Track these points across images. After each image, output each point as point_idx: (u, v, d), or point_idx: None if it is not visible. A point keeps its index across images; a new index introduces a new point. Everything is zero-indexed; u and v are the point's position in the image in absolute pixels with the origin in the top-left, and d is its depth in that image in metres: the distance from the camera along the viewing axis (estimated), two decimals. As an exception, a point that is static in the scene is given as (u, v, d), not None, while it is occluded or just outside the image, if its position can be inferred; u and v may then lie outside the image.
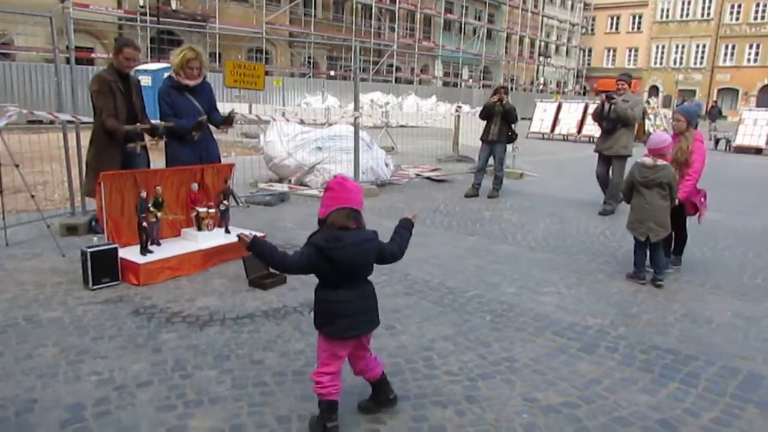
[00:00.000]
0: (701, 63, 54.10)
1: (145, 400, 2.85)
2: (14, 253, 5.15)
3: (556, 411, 2.88)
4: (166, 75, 5.46)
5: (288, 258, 2.60)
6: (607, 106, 7.76)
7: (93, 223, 5.80)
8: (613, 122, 7.74)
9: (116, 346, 3.43)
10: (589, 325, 3.99)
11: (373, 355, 2.80)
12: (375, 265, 2.66)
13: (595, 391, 3.09)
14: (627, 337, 3.81)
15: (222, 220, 5.27)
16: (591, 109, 8.33)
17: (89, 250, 4.28)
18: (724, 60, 52.86)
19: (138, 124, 5.16)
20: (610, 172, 7.96)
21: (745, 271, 5.47)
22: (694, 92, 51.49)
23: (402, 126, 17.31)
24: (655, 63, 56.91)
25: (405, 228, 2.83)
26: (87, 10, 24.54)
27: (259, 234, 5.42)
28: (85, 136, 5.63)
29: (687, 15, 54.69)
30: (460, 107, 14.09)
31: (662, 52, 56.34)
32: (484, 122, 8.95)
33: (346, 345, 2.62)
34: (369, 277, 2.66)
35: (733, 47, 52.24)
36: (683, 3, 54.75)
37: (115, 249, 4.46)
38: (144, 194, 4.61)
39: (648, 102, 27.11)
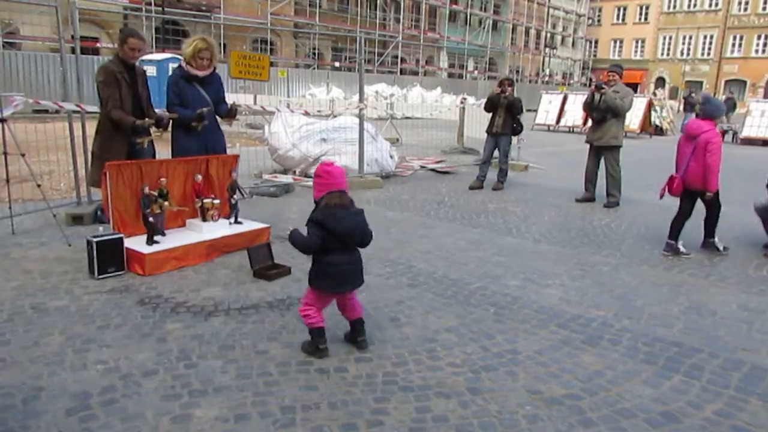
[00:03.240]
0: (708, 54, 53.66)
1: (151, 389, 2.87)
2: (21, 242, 5.17)
3: (559, 403, 2.89)
4: (176, 65, 5.46)
5: (308, 240, 3.16)
6: (597, 96, 7.76)
7: (99, 213, 5.82)
8: (603, 112, 7.75)
9: (122, 335, 3.45)
10: (593, 318, 3.99)
11: (356, 302, 3.35)
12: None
13: (598, 383, 3.10)
14: (631, 330, 3.81)
15: (231, 213, 5.31)
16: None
17: (95, 239, 4.30)
18: (732, 51, 52.41)
19: (146, 119, 5.17)
20: (601, 166, 8.00)
21: (751, 263, 5.45)
22: (701, 83, 51.06)
23: (407, 118, 17.25)
24: (662, 54, 56.48)
25: None
26: (92, 0, 24.51)
27: (264, 225, 5.45)
28: (91, 126, 5.64)
29: (694, 5, 54.20)
30: (465, 99, 14.06)
31: (669, 43, 55.91)
32: (489, 114, 8.93)
33: (331, 297, 3.29)
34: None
35: (741, 38, 51.78)
36: (691, -7, 54.34)
37: (121, 239, 4.48)
38: (147, 190, 4.62)
39: (655, 94, 26.99)
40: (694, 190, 5.62)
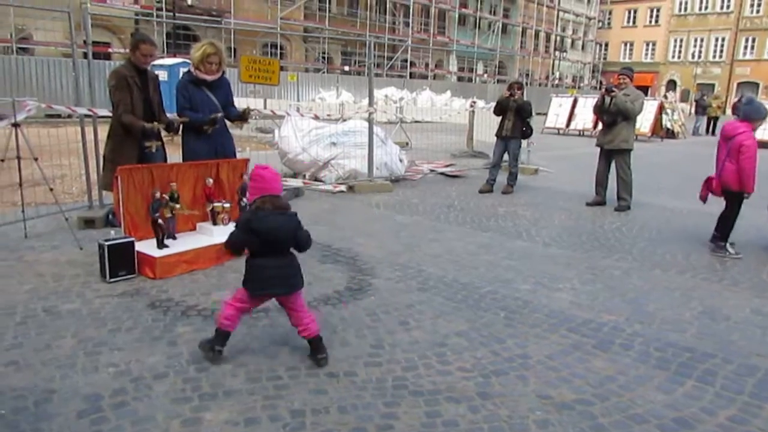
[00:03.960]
0: (720, 56, 53.28)
1: (161, 392, 2.88)
2: (33, 245, 5.22)
3: (570, 408, 2.87)
4: (185, 69, 5.49)
5: (229, 238, 3.13)
6: (607, 99, 7.73)
7: (110, 217, 5.86)
8: (614, 116, 7.71)
9: (133, 338, 3.47)
10: (604, 322, 3.97)
11: (308, 317, 3.23)
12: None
13: (609, 388, 3.08)
14: (642, 334, 3.78)
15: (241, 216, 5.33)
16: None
17: (106, 243, 4.33)
18: (744, 53, 52.01)
19: (155, 123, 5.20)
20: (611, 169, 7.97)
21: (764, 267, 5.40)
22: (713, 86, 50.64)
23: (416, 121, 17.27)
24: (673, 57, 56.14)
25: None
26: (104, 6, 24.75)
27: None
28: (103, 130, 5.68)
29: (706, 8, 53.83)
30: (474, 102, 14.01)
31: (680, 46, 55.55)
32: (499, 118, 8.92)
33: (259, 300, 3.26)
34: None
35: (754, 40, 51.36)
36: (702, -4, 53.99)
37: (132, 242, 4.51)
38: (158, 194, 4.64)
39: (666, 97, 26.81)
40: (730, 192, 5.63)
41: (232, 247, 3.17)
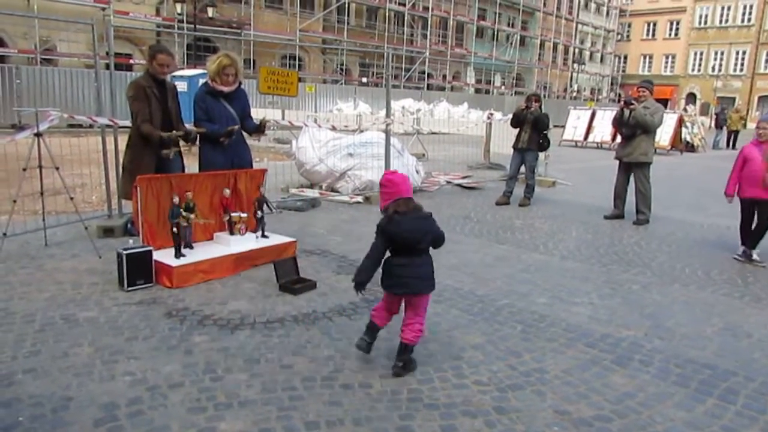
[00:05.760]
0: (741, 70, 52.71)
1: (177, 401, 2.88)
2: (53, 253, 5.28)
3: (588, 424, 2.83)
4: (202, 81, 5.55)
5: (369, 254, 3.24)
6: (626, 112, 7.69)
7: (129, 226, 5.91)
8: (633, 128, 7.67)
9: (149, 347, 3.48)
10: (623, 337, 3.91)
11: (419, 324, 3.28)
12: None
13: (628, 405, 3.03)
14: (662, 350, 3.72)
15: (258, 227, 5.36)
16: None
17: (125, 252, 4.37)
18: (766, 67, 51.44)
19: (173, 131, 5.26)
20: (630, 183, 7.91)
21: (787, 285, 5.30)
22: (733, 100, 50.12)
23: (433, 133, 17.25)
24: (693, 70, 55.66)
25: None
26: (127, 18, 25.19)
27: (290, 239, 5.48)
28: (123, 140, 5.76)
29: (726, 21, 53.37)
30: (491, 114, 14.00)
31: (700, 59, 55.08)
32: (516, 130, 8.90)
33: (397, 300, 3.30)
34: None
35: (775, 54, 50.83)
36: (722, 9, 53.42)
37: (150, 251, 4.54)
38: (177, 200, 4.68)
39: (685, 110, 26.56)
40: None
41: (372, 257, 3.24)
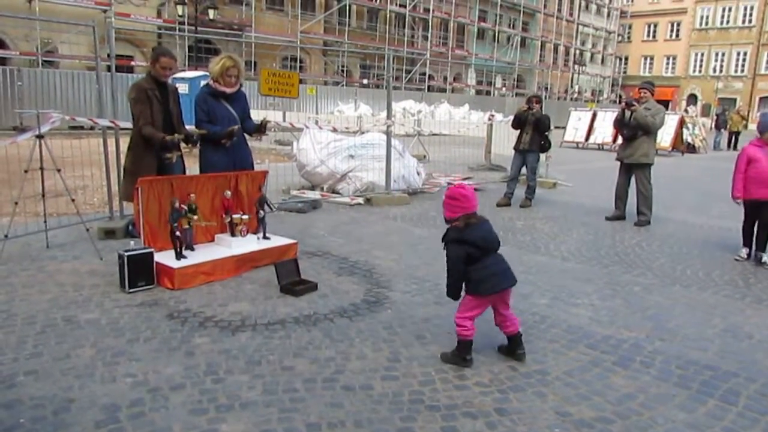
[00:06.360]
0: (742, 71, 52.72)
1: (178, 403, 2.88)
2: (55, 255, 5.29)
3: (590, 426, 2.83)
4: (203, 82, 5.56)
5: (452, 264, 3.40)
6: (627, 113, 7.69)
7: (130, 228, 5.92)
8: (634, 129, 7.67)
9: (151, 348, 3.49)
10: (624, 339, 3.91)
11: (513, 316, 3.51)
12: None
13: (629, 406, 3.02)
14: (663, 352, 3.72)
15: (259, 227, 5.36)
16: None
17: (126, 253, 4.38)
18: (767, 68, 51.43)
19: (175, 134, 5.27)
20: (631, 184, 7.91)
21: (788, 286, 5.29)
22: (734, 101, 50.09)
23: (434, 134, 17.26)
24: (694, 71, 55.66)
25: None
26: (128, 20, 25.22)
27: (291, 241, 5.48)
28: (124, 142, 5.76)
29: (727, 22, 53.38)
30: (492, 116, 14.00)
31: (701, 60, 55.08)
32: (517, 131, 8.90)
33: (488, 300, 3.42)
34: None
35: (776, 55, 50.82)
36: (723, 10, 53.43)
37: (151, 253, 4.55)
38: (177, 203, 4.69)
39: (687, 111, 26.55)
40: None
41: (456, 268, 3.39)
